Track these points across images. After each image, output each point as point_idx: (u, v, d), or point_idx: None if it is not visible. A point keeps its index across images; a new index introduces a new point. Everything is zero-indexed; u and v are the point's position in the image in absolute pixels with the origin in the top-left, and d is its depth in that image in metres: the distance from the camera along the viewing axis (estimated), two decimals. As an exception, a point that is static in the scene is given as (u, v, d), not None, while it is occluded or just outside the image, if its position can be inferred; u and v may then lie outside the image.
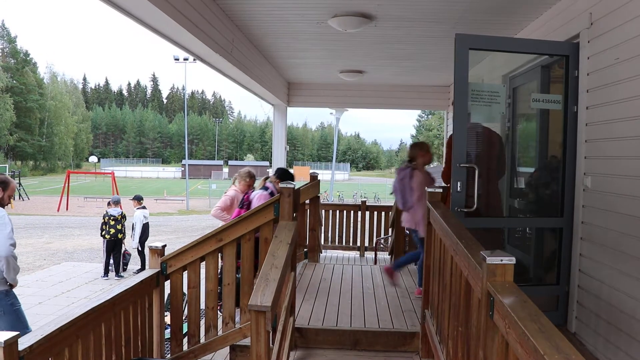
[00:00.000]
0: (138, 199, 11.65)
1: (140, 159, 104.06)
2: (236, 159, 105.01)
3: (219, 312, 3.80)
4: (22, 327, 4.11)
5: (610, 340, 3.27)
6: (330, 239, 8.86)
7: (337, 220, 8.86)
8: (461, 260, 2.42)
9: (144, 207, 11.49)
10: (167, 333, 3.80)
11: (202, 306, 3.77)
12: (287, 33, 5.68)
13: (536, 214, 4.53)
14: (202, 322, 3.81)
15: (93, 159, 70.31)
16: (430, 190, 3.63)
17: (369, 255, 8.79)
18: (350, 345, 4.02)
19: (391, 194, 6.86)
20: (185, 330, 3.76)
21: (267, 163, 69.25)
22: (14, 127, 71.85)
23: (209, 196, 41.87)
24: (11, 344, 1.99)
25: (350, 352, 3.97)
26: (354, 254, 9.15)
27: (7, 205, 4.47)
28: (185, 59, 42.39)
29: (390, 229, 7.94)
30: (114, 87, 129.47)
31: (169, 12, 3.51)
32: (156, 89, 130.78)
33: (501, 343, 1.78)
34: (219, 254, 3.74)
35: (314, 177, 7.18)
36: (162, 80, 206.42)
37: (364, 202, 8.98)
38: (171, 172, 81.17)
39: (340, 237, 8.89)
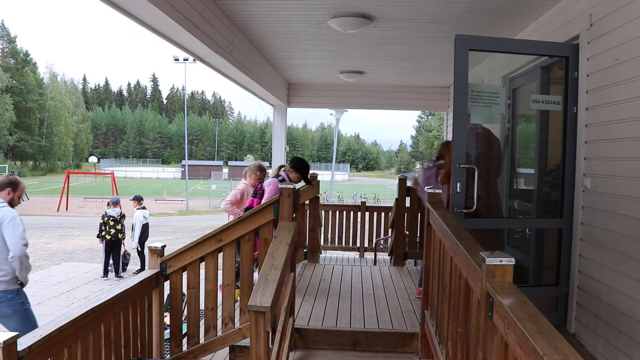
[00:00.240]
0: (138, 199, 11.65)
1: (140, 159, 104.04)
2: (236, 160, 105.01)
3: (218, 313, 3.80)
4: (31, 326, 4.11)
5: (610, 341, 3.27)
6: (330, 239, 8.86)
7: (337, 221, 8.85)
8: (461, 261, 2.42)
9: (143, 208, 11.49)
10: (167, 333, 3.80)
11: (202, 306, 3.77)
12: (287, 34, 5.69)
13: (536, 215, 4.53)
14: (202, 322, 3.80)
15: (93, 159, 70.28)
16: (429, 191, 3.63)
17: (369, 256, 8.78)
18: (350, 346, 4.02)
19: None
20: (184, 330, 3.76)
21: (267, 164, 69.07)
22: (14, 127, 71.88)
23: (209, 197, 41.88)
24: (10, 344, 1.99)
25: (350, 352, 3.97)
26: (354, 254, 9.14)
27: (16, 205, 4.51)
28: (185, 60, 42.45)
29: (390, 230, 7.94)
30: (114, 88, 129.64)
31: (169, 12, 3.51)
32: (156, 90, 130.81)
33: (500, 344, 1.78)
34: (219, 255, 3.74)
35: (313, 178, 7.19)
36: (162, 81, 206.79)
37: (363, 203, 8.97)
38: (171, 172, 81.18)
39: (340, 237, 8.89)
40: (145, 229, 11.32)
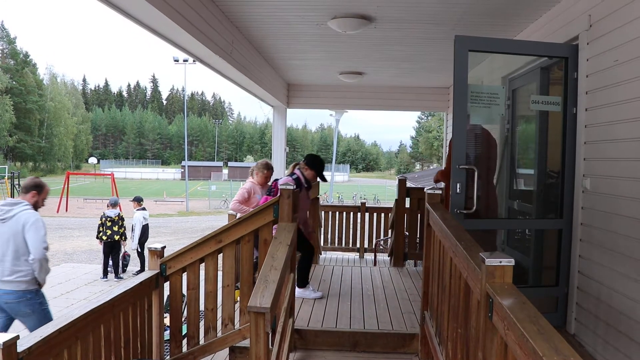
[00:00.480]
0: (138, 200, 11.65)
1: (139, 160, 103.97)
2: (236, 160, 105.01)
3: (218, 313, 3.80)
4: None
5: (610, 342, 3.27)
6: (329, 240, 8.87)
7: (337, 222, 8.86)
8: (460, 261, 2.42)
9: (143, 209, 11.49)
10: (167, 334, 3.80)
11: (202, 307, 3.77)
12: (287, 34, 5.69)
13: (536, 216, 4.53)
14: (202, 323, 3.80)
15: (93, 160, 70.37)
16: (429, 191, 3.63)
17: (369, 256, 8.78)
18: (350, 347, 4.02)
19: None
20: (184, 331, 3.76)
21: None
22: (14, 128, 71.90)
23: (209, 198, 41.89)
24: (10, 345, 1.99)
25: (350, 353, 3.97)
26: (354, 255, 9.15)
27: (40, 208, 4.59)
28: (185, 61, 42.47)
29: (389, 231, 7.94)
30: (114, 89, 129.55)
31: (168, 13, 3.51)
32: (156, 90, 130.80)
33: (500, 344, 1.78)
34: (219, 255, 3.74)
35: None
36: (162, 82, 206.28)
37: (363, 204, 8.98)
38: (171, 173, 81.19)
39: (340, 238, 8.89)
40: (145, 230, 11.31)
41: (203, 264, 3.67)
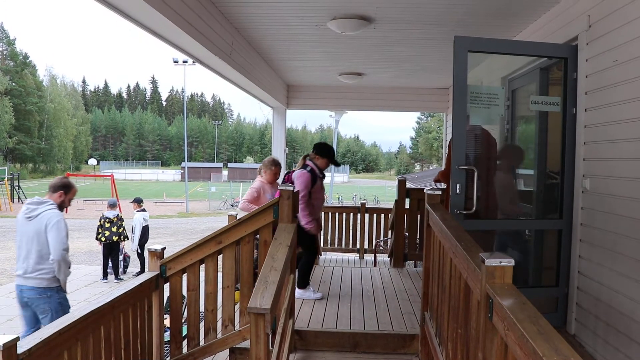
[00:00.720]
0: (138, 201, 11.65)
1: (139, 161, 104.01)
2: (236, 161, 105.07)
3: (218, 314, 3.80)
4: None
5: (610, 342, 3.27)
6: (329, 241, 8.87)
7: (337, 223, 8.86)
8: (460, 262, 2.42)
9: (143, 210, 11.49)
10: (167, 336, 3.80)
11: (202, 309, 3.77)
12: (287, 35, 5.69)
13: (535, 216, 4.53)
14: (202, 324, 3.80)
15: (92, 161, 70.41)
16: (429, 192, 3.63)
17: (369, 257, 8.79)
18: (350, 348, 4.01)
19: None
20: (184, 332, 3.76)
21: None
22: (13, 130, 71.90)
23: (209, 199, 41.88)
24: (10, 347, 1.99)
25: (350, 354, 3.97)
26: (354, 256, 9.15)
27: (67, 208, 4.66)
28: (185, 62, 42.51)
29: (389, 231, 7.94)
30: (114, 90, 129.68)
31: (169, 15, 3.51)
32: (155, 92, 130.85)
33: (500, 345, 1.78)
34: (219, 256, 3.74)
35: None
36: (162, 83, 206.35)
37: (363, 205, 8.98)
38: (170, 174, 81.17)
39: (340, 239, 8.89)
40: (145, 231, 11.31)
41: (203, 265, 3.67)
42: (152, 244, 3.81)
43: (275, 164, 5.63)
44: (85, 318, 2.58)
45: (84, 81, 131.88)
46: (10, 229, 22.31)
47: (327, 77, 8.31)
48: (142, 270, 11.07)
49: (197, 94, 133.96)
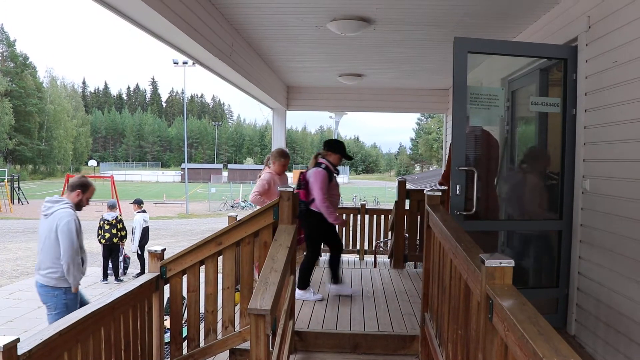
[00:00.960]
0: (138, 202, 11.65)
1: (139, 162, 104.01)
2: (236, 163, 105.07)
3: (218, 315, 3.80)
4: None
5: (610, 343, 3.27)
6: (329, 242, 8.84)
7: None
8: (460, 263, 2.42)
9: (144, 211, 11.49)
10: (167, 337, 3.80)
11: (202, 310, 3.77)
12: (286, 37, 5.70)
13: (535, 217, 4.53)
14: (202, 325, 3.80)
15: (92, 162, 70.32)
16: (429, 193, 3.63)
17: (369, 258, 8.78)
18: (350, 349, 4.01)
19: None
20: (184, 334, 3.76)
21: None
22: (13, 131, 71.95)
23: (209, 200, 41.86)
24: (10, 348, 1.99)
25: (350, 355, 3.97)
26: (354, 257, 9.15)
27: (84, 206, 4.71)
28: (185, 63, 42.45)
29: (389, 232, 7.94)
30: (114, 91, 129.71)
31: (169, 17, 3.52)
32: (155, 93, 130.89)
33: (500, 346, 1.78)
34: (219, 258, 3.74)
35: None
36: (162, 84, 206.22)
37: (363, 206, 8.98)
38: (170, 175, 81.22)
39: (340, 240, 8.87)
40: (145, 233, 11.31)
41: (203, 267, 3.67)
42: (152, 245, 3.82)
43: (285, 155, 5.56)
44: (85, 319, 2.58)
45: (84, 82, 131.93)
46: (10, 231, 22.32)
47: (327, 78, 8.31)
48: (142, 272, 11.07)
49: (197, 95, 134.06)
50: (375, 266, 7.98)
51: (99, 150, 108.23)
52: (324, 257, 8.53)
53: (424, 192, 3.74)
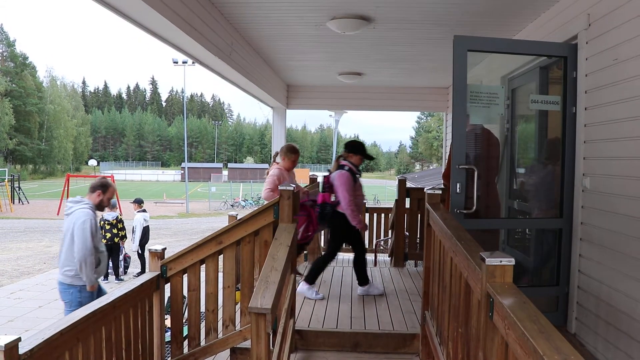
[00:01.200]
0: (138, 202, 11.64)
1: (139, 162, 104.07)
2: (236, 162, 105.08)
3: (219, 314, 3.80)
4: None
5: (610, 341, 3.27)
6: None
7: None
8: (461, 261, 2.43)
9: (144, 210, 11.48)
10: (168, 336, 3.80)
11: (202, 309, 3.77)
12: (286, 36, 5.69)
13: (536, 215, 4.53)
14: (203, 324, 3.80)
15: (92, 162, 70.40)
16: (429, 192, 3.63)
17: (369, 257, 8.75)
18: (351, 347, 4.01)
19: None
20: (185, 333, 3.76)
21: (266, 165, 69.12)
22: (13, 131, 71.96)
23: (209, 199, 41.86)
24: (12, 347, 1.99)
25: (351, 354, 3.97)
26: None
27: (105, 207, 4.78)
28: (184, 62, 42.48)
29: (390, 231, 7.94)
30: (113, 91, 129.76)
31: (169, 16, 3.52)
32: (155, 92, 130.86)
33: (501, 344, 1.78)
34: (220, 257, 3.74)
35: (313, 180, 7.19)
36: (161, 84, 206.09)
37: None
38: (171, 175, 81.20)
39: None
40: (145, 232, 11.31)
41: (204, 266, 3.68)
42: (153, 245, 3.82)
43: (295, 151, 5.54)
44: (86, 318, 2.58)
45: (83, 82, 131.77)
46: (10, 230, 22.32)
47: (326, 77, 8.31)
48: (143, 271, 11.07)
49: (196, 94, 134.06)
50: (375, 265, 7.97)
51: (99, 150, 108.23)
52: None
53: (424, 190, 3.74)
